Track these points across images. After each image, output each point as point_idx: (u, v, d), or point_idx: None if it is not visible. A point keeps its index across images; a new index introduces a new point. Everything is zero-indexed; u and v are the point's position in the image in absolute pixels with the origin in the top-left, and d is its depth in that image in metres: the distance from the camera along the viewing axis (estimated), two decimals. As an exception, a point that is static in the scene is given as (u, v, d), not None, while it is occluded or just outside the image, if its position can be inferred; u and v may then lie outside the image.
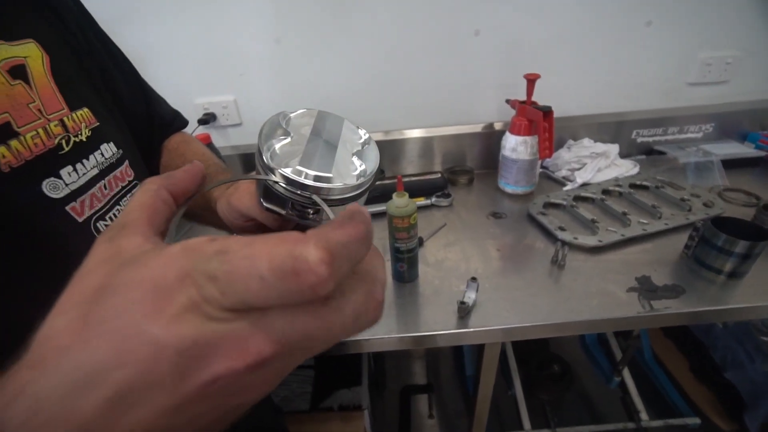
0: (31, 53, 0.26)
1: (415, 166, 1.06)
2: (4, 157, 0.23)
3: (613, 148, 0.96)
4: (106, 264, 0.14)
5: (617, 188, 0.88)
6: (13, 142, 0.24)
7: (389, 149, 1.03)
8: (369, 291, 0.14)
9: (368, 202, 0.88)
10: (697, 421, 1.00)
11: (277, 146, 0.20)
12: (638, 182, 0.89)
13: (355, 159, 0.21)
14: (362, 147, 0.22)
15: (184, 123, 0.50)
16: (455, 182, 0.99)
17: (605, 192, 0.88)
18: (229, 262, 0.12)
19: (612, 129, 1.02)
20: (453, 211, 0.89)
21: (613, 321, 0.58)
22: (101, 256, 0.15)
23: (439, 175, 0.96)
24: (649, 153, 1.05)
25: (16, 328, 0.18)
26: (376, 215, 0.88)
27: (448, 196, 0.91)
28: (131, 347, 0.12)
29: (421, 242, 0.76)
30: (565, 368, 1.10)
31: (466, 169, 1.03)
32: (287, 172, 0.19)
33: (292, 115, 0.23)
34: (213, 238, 0.14)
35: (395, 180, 0.79)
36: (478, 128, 1.01)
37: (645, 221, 0.74)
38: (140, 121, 0.43)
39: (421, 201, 0.90)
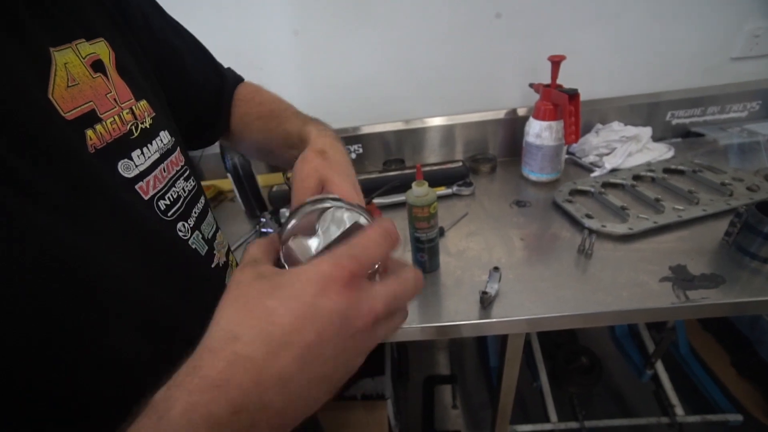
0: (102, 51, 0.30)
1: (436, 155, 1.04)
2: (91, 139, 0.27)
3: (645, 132, 0.91)
4: (260, 278, 0.21)
5: (650, 173, 0.83)
6: (98, 127, 0.27)
7: (410, 138, 1.02)
8: (414, 270, 0.24)
9: (389, 192, 0.88)
10: (739, 417, 0.95)
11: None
12: (673, 167, 0.84)
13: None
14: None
15: (241, 77, 0.54)
16: (477, 171, 0.97)
17: (636, 177, 0.83)
18: (357, 245, 0.22)
19: (644, 111, 0.96)
20: (475, 200, 0.87)
21: (644, 312, 0.55)
22: (251, 273, 0.22)
23: (461, 163, 0.94)
24: (685, 135, 0.99)
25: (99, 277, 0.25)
26: (396, 205, 0.88)
27: (469, 184, 0.89)
28: (311, 316, 0.19)
29: (442, 232, 0.76)
30: (594, 361, 1.07)
31: (488, 157, 1.00)
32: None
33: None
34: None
35: (415, 169, 0.78)
36: (500, 114, 0.98)
37: (680, 207, 0.70)
38: (210, 88, 0.48)
39: (442, 190, 0.89)
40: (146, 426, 0.17)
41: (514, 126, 0.98)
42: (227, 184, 0.96)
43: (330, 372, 0.20)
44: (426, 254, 0.64)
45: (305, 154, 0.36)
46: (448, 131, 1.01)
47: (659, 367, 1.03)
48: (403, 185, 0.88)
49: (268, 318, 0.19)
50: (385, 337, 0.23)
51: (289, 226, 0.26)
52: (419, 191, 0.59)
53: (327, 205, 0.26)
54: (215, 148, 0.87)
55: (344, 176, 0.34)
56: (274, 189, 0.93)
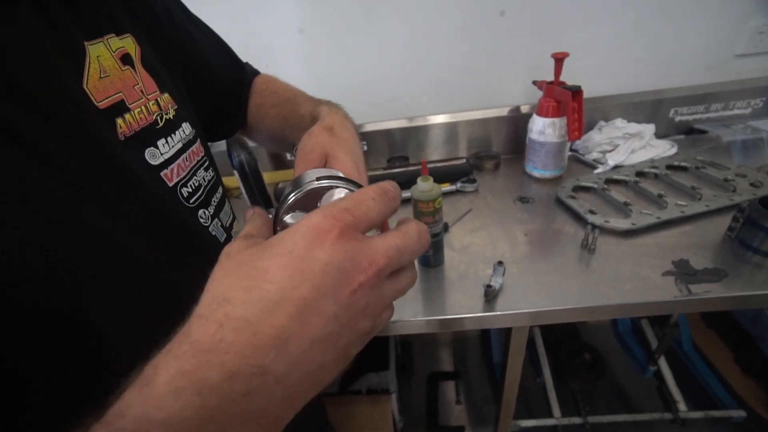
0: (129, 46, 0.31)
1: (440, 153, 1.05)
2: (120, 127, 0.28)
3: (649, 128, 0.91)
4: (251, 246, 0.20)
5: (653, 170, 0.84)
6: (127, 116, 0.29)
7: (414, 136, 1.03)
8: (417, 223, 0.23)
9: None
10: (742, 413, 0.95)
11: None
12: (676, 163, 0.85)
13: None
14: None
15: (258, 71, 0.57)
16: (481, 167, 0.98)
17: (639, 174, 0.84)
18: (352, 198, 0.21)
19: (648, 108, 0.97)
20: (479, 196, 0.88)
21: (647, 305, 0.56)
22: (242, 244, 0.21)
23: (465, 160, 0.95)
24: (688, 132, 0.99)
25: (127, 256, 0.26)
26: (401, 202, 0.88)
27: (473, 181, 0.90)
28: (306, 269, 0.18)
29: (446, 228, 0.76)
30: (597, 357, 1.07)
31: (492, 154, 1.01)
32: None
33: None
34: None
35: (419, 166, 0.79)
36: (504, 112, 0.99)
37: (683, 203, 0.71)
38: (231, 82, 0.50)
39: (447, 187, 0.90)
40: (131, 396, 0.16)
41: (517, 123, 0.98)
42: (233, 181, 0.97)
43: (335, 333, 0.19)
44: (431, 249, 0.65)
45: (312, 129, 0.36)
46: (452, 128, 1.01)
47: (662, 363, 1.03)
48: (408, 182, 0.88)
49: (260, 278, 0.18)
50: (394, 298, 0.22)
51: (287, 203, 0.25)
52: (424, 186, 0.60)
53: (324, 183, 0.26)
54: (221, 146, 0.88)
55: (348, 153, 0.34)
56: (280, 186, 0.94)
